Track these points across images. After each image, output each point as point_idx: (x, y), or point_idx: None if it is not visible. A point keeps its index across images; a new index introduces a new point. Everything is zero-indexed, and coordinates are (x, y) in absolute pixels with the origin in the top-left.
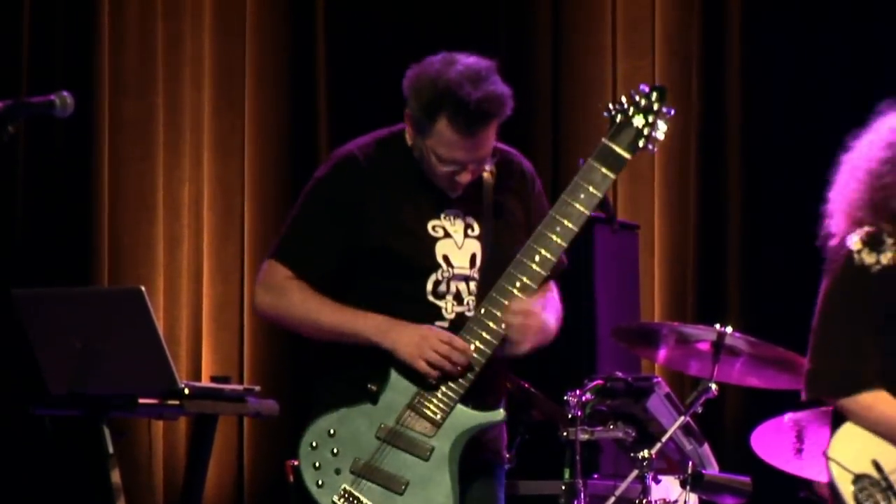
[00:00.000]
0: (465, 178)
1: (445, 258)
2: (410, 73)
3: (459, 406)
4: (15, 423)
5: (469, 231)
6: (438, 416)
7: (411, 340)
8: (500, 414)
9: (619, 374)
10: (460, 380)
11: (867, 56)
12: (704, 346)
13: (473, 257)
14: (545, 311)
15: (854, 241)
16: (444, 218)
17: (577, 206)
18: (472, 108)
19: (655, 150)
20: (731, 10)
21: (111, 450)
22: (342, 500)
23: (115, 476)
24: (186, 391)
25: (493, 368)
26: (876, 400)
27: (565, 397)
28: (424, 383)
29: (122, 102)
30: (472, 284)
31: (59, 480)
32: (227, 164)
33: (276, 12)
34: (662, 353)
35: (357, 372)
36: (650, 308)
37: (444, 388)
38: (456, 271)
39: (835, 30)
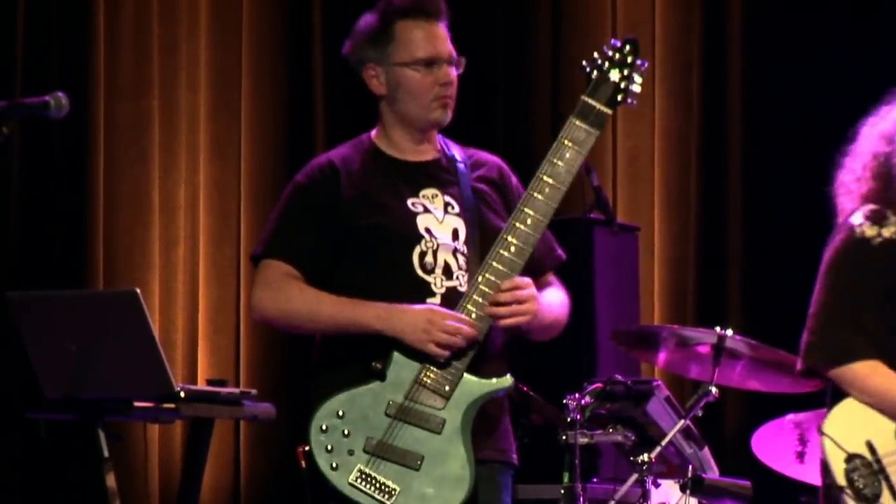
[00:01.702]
0: (448, 73)
1: (428, 230)
2: (350, 38)
3: (466, 375)
4: (9, 428)
5: (449, 209)
6: (447, 388)
7: (417, 326)
8: (508, 381)
9: (619, 377)
10: (466, 349)
11: (870, 58)
12: (705, 349)
13: (456, 232)
14: (542, 297)
15: (856, 216)
16: (423, 196)
17: (563, 165)
18: None
19: (635, 103)
20: (732, 12)
21: (106, 454)
22: (359, 480)
23: (111, 480)
24: (182, 395)
25: (496, 336)
26: (873, 370)
27: (564, 401)
28: (429, 357)
29: (117, 104)
30: (461, 259)
31: (54, 485)
32: (223, 166)
33: (272, 14)
34: (662, 357)
35: (356, 363)
36: (650, 311)
37: (449, 361)
38: (440, 241)
39: (837, 32)
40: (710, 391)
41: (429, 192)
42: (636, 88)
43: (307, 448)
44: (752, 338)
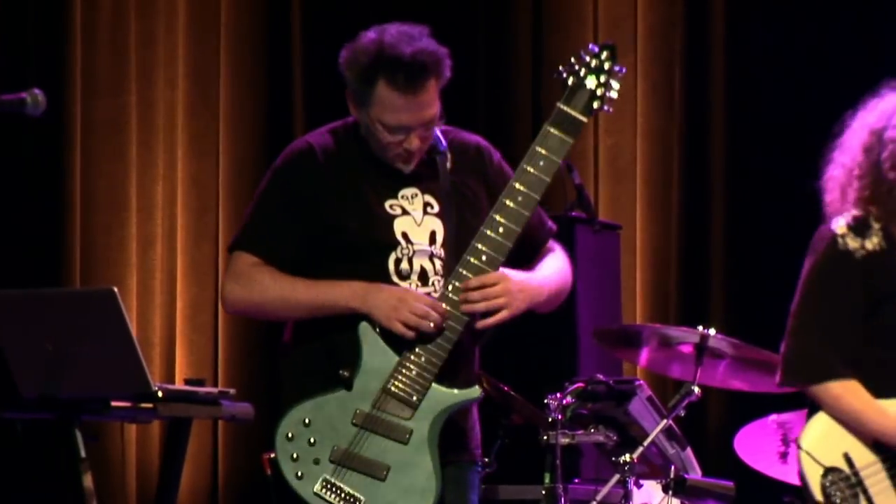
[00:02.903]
0: (414, 143)
1: (405, 235)
2: (344, 51)
3: (435, 385)
4: None
5: (428, 209)
6: (414, 398)
7: (388, 303)
8: (475, 392)
9: (601, 376)
10: (433, 359)
11: (855, 55)
12: (687, 349)
13: (433, 234)
14: (536, 273)
15: (839, 225)
16: (402, 197)
17: (537, 173)
18: (408, 62)
19: (611, 110)
20: (715, 8)
21: (83, 454)
22: (324, 489)
23: (88, 480)
24: (160, 394)
25: (463, 347)
26: (845, 390)
27: (546, 400)
28: (398, 366)
29: (94, 101)
30: (438, 263)
31: (30, 485)
32: (201, 163)
33: (251, 9)
34: (644, 356)
35: (325, 363)
36: (632, 310)
37: (417, 370)
38: (416, 247)
39: (821, 28)
40: (693, 391)
41: (408, 191)
42: (613, 95)
43: (273, 456)
44: (735, 337)
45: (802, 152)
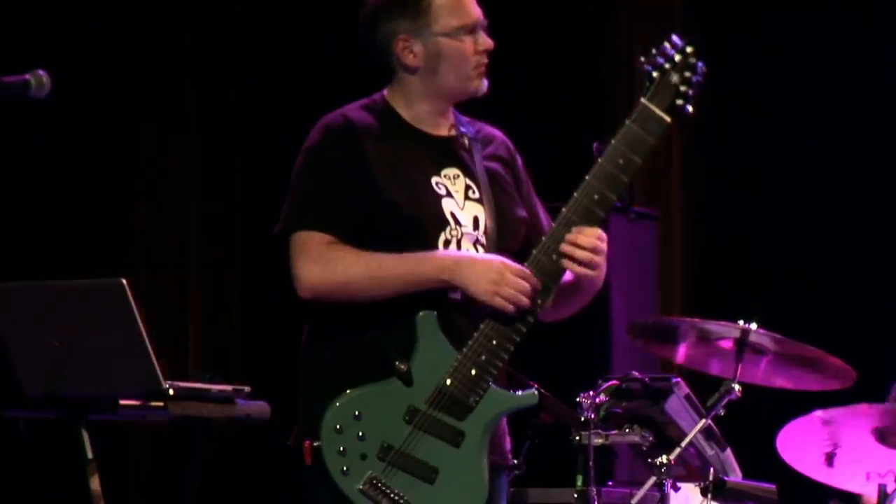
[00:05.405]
0: (488, 40)
1: (453, 215)
2: (367, 9)
3: (493, 387)
4: None
5: (470, 193)
6: (471, 400)
7: (485, 276)
8: (534, 397)
9: (636, 373)
10: (495, 359)
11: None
12: (727, 344)
13: (476, 220)
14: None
15: None
16: (445, 176)
17: (613, 170)
18: None
19: (693, 112)
20: None
21: (91, 455)
22: (369, 487)
23: (95, 483)
24: (171, 392)
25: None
26: None
27: (578, 399)
28: (457, 363)
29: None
30: (481, 251)
31: (34, 488)
32: (217, 146)
33: None
34: (682, 352)
35: (367, 339)
36: (669, 303)
37: (477, 370)
38: (464, 230)
39: (851, 7)
40: (733, 389)
41: (450, 171)
42: (694, 93)
43: (317, 445)
44: (778, 332)
45: (848, 138)
